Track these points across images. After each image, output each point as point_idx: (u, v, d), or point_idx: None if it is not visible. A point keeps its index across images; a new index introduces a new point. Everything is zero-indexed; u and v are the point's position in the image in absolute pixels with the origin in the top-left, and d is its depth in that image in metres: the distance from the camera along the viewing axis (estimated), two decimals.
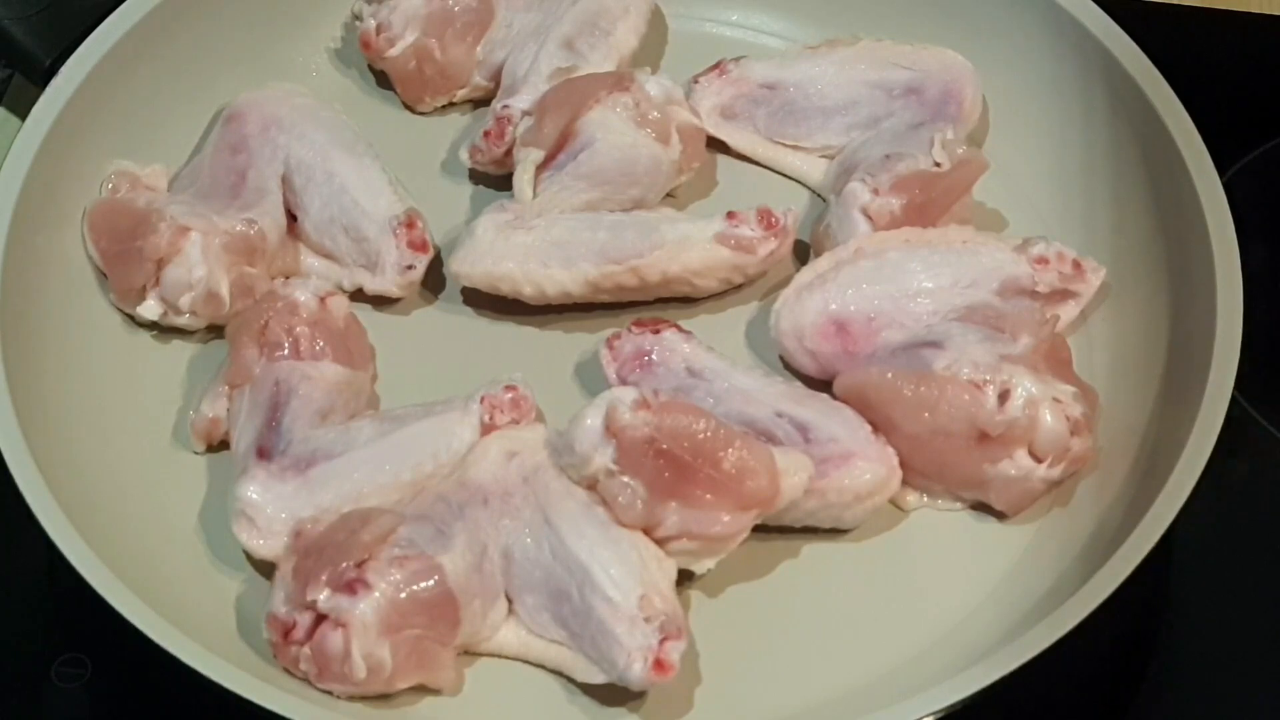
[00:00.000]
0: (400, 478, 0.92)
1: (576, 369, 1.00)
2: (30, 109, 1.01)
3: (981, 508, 0.96)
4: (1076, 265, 0.99)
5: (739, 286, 1.02)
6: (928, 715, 0.84)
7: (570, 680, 0.89)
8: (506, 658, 0.90)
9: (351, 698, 0.87)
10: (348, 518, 0.89)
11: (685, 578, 0.91)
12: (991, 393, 0.92)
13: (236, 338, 0.97)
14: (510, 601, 0.90)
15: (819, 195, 1.06)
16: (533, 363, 0.98)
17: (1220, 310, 0.94)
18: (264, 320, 0.96)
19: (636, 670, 0.86)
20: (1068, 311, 0.99)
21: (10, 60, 1.07)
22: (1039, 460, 0.93)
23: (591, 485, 0.90)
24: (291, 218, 1.02)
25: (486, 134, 1.04)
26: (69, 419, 0.95)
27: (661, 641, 0.86)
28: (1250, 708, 0.94)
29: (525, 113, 1.04)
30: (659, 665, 0.86)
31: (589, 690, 0.89)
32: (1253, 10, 1.19)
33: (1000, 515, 0.95)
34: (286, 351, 0.96)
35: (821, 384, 0.97)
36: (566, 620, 0.88)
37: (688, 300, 1.02)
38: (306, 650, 0.86)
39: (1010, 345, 0.94)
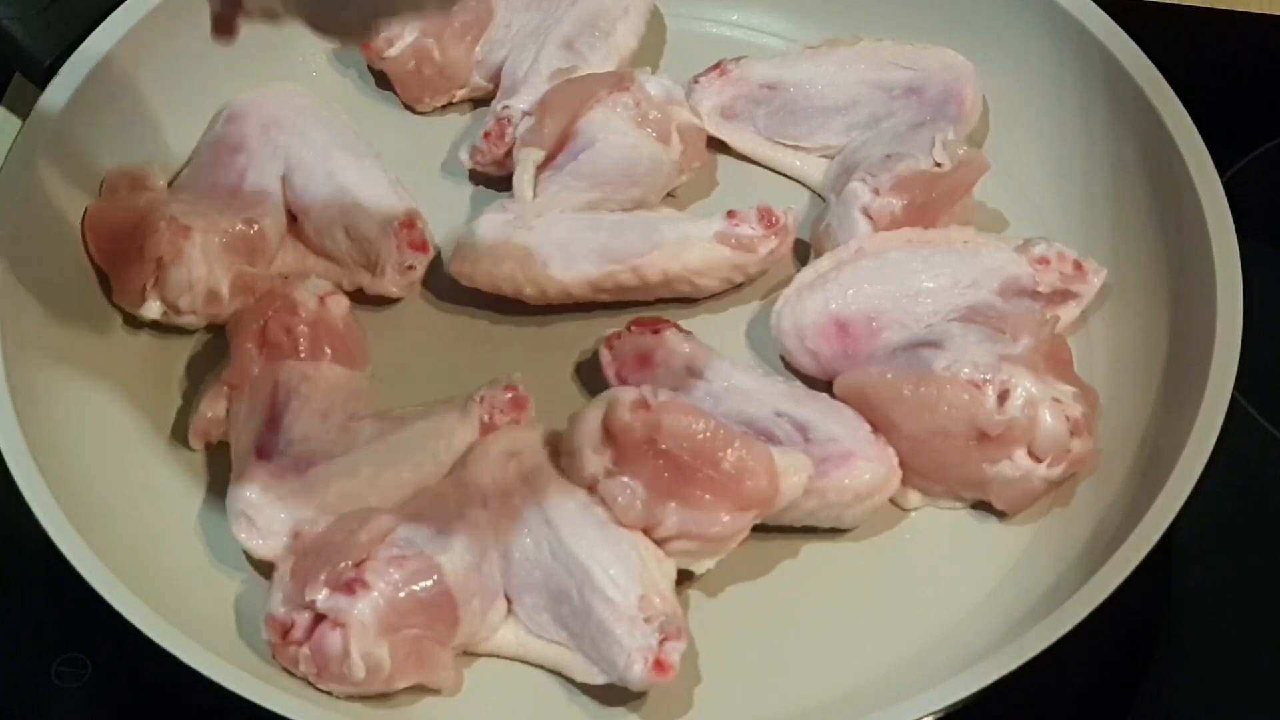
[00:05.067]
0: (400, 478, 0.92)
1: (576, 369, 1.00)
2: (30, 109, 1.01)
3: (981, 507, 0.96)
4: (1077, 266, 0.99)
5: (739, 286, 1.02)
6: (928, 715, 0.84)
7: (570, 680, 0.89)
8: (505, 658, 0.90)
9: (351, 698, 0.87)
10: (346, 518, 0.89)
11: (685, 578, 0.91)
12: (991, 393, 0.92)
13: (236, 338, 0.97)
14: (509, 602, 0.90)
15: (819, 195, 1.06)
16: (533, 363, 0.98)
17: (1220, 310, 0.94)
18: (263, 320, 0.96)
19: (636, 671, 0.86)
20: (1068, 312, 0.99)
21: (10, 60, 1.07)
22: (1039, 460, 0.93)
23: (591, 485, 0.90)
24: (291, 218, 1.02)
25: (486, 134, 1.04)
26: (69, 419, 0.95)
27: (661, 642, 0.86)
28: (1250, 708, 0.94)
29: (525, 113, 1.04)
30: (659, 665, 0.86)
31: (589, 690, 0.89)
32: (1253, 10, 1.19)
33: (1000, 515, 0.95)
34: (286, 351, 0.96)
35: (822, 384, 0.97)
36: (566, 621, 0.88)
37: (688, 300, 1.02)
38: (305, 650, 0.86)
39: (1010, 345, 0.94)
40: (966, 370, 0.93)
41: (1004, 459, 0.93)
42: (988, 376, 0.92)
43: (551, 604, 0.89)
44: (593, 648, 0.88)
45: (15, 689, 0.93)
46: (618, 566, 0.87)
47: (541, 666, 0.90)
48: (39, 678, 0.93)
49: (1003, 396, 0.92)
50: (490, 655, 0.90)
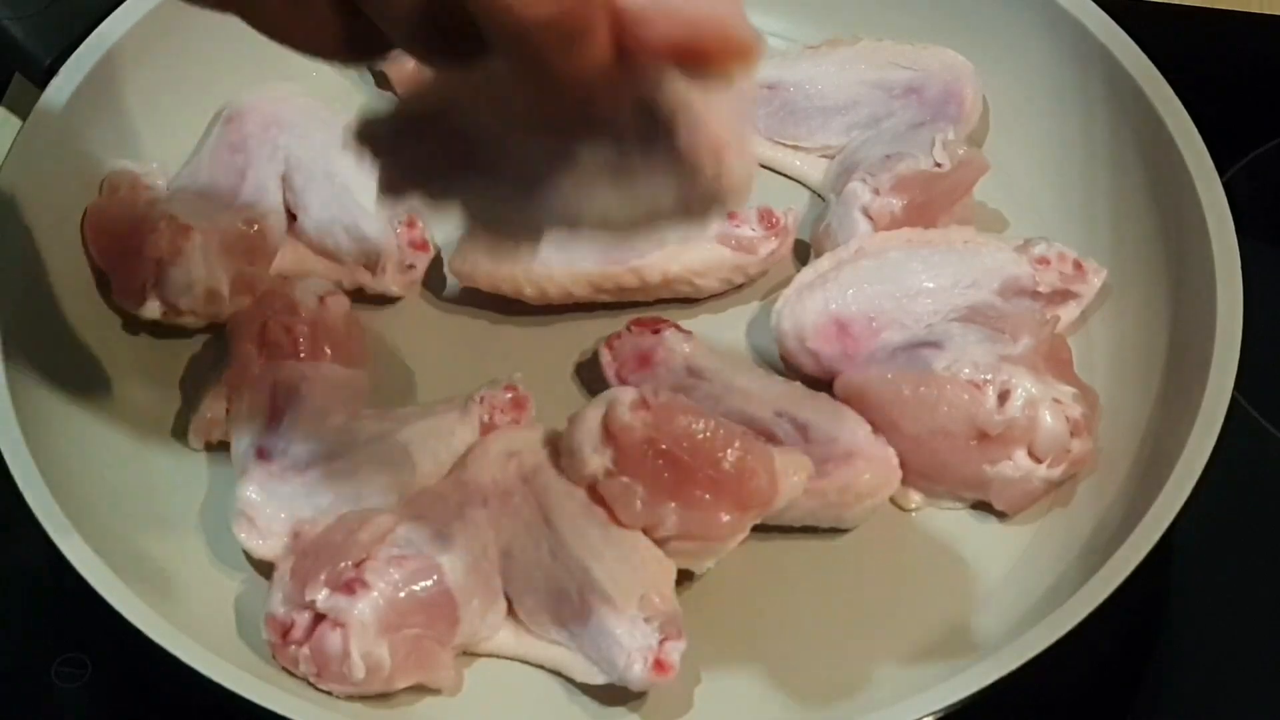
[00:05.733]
0: (399, 478, 0.92)
1: (576, 369, 1.00)
2: (30, 109, 1.01)
3: (982, 507, 0.95)
4: (1077, 265, 0.99)
5: (739, 286, 1.02)
6: (928, 715, 0.84)
7: (570, 680, 0.89)
8: (505, 658, 0.90)
9: (351, 698, 0.87)
10: (346, 518, 0.89)
11: (685, 578, 0.91)
12: (991, 393, 0.92)
13: (236, 338, 0.97)
14: (509, 602, 0.90)
15: (819, 195, 1.06)
16: (533, 363, 0.98)
17: (1220, 310, 0.94)
18: (263, 320, 0.96)
19: (637, 671, 0.86)
20: (1068, 312, 0.99)
21: (10, 60, 1.07)
22: (1039, 461, 0.93)
23: (591, 485, 0.89)
24: (291, 218, 1.02)
25: None
26: (69, 419, 0.95)
27: (661, 642, 0.86)
28: (1250, 707, 0.94)
29: None
30: (659, 665, 0.86)
31: (589, 690, 0.89)
32: (1253, 10, 1.19)
33: (1000, 515, 0.95)
34: (286, 351, 0.96)
35: (822, 384, 0.97)
36: (566, 621, 0.88)
37: (688, 300, 1.02)
38: (305, 650, 0.86)
39: (1010, 346, 0.94)
40: (967, 370, 0.93)
41: (1004, 459, 0.93)
42: (988, 376, 0.92)
43: (551, 604, 0.89)
44: (593, 648, 0.88)
45: (15, 689, 0.94)
46: (618, 566, 0.87)
47: (541, 667, 0.90)
48: (39, 678, 0.93)
49: (1003, 397, 0.92)
50: (490, 655, 0.90)
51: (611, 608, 0.86)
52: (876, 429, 0.94)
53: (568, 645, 0.89)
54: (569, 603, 0.88)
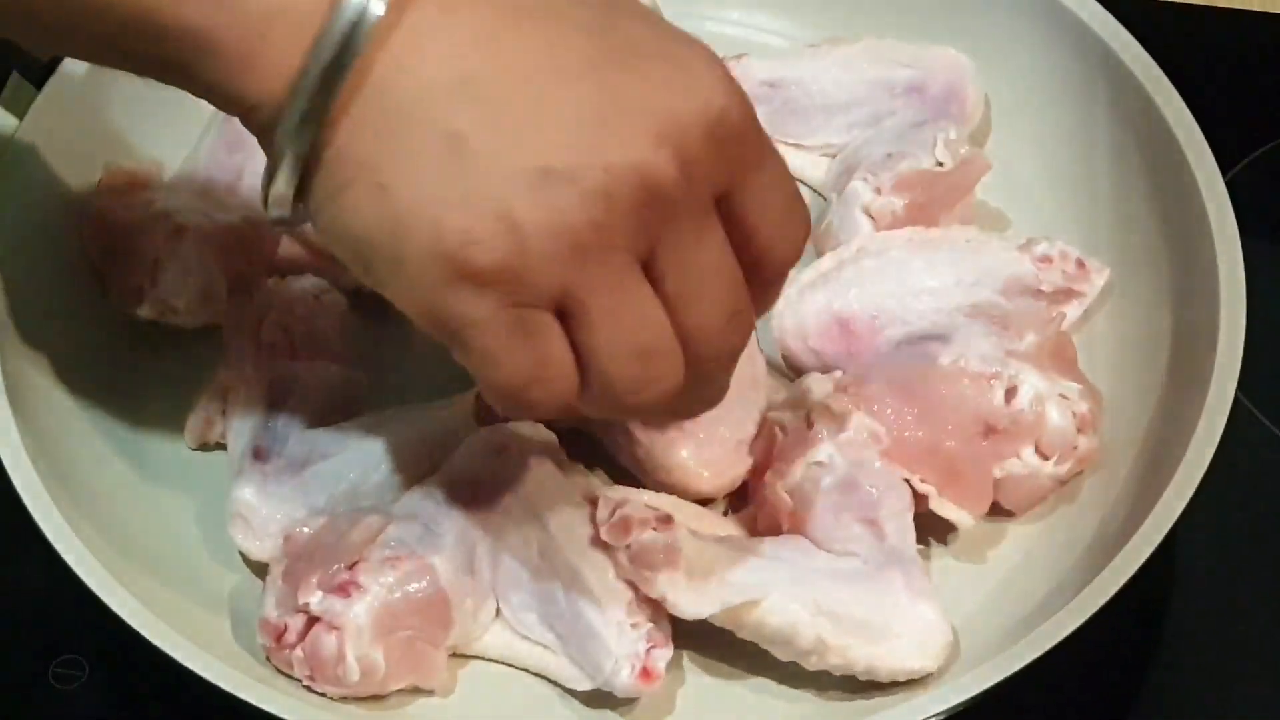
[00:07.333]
0: (395, 478, 0.92)
1: None
2: (29, 109, 1.01)
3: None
4: (1080, 264, 0.99)
5: None
6: (930, 716, 0.84)
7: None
8: (491, 660, 0.90)
9: (345, 699, 0.87)
10: (337, 520, 0.89)
11: None
12: (998, 386, 0.92)
13: (233, 337, 0.97)
14: (496, 600, 0.89)
15: (820, 194, 1.06)
16: None
17: (1223, 310, 0.93)
18: (260, 320, 0.96)
19: (624, 677, 0.85)
20: (1071, 311, 0.99)
21: (10, 60, 1.06)
22: (1046, 458, 0.92)
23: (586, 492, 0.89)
24: None
25: None
26: (68, 419, 0.95)
27: (648, 650, 0.85)
28: (1252, 708, 0.93)
29: None
30: (645, 673, 0.85)
31: (577, 690, 0.88)
32: (1256, 9, 1.19)
33: (1004, 514, 0.95)
34: (282, 351, 0.95)
35: None
36: (553, 623, 0.88)
37: None
38: (299, 653, 0.86)
39: (1015, 341, 0.94)
40: (973, 363, 0.92)
41: (1011, 456, 0.92)
42: (995, 370, 0.92)
43: (538, 604, 0.88)
44: (579, 651, 0.87)
45: (12, 691, 0.94)
46: (608, 568, 0.87)
47: (526, 670, 0.90)
48: (36, 680, 0.93)
49: (1010, 392, 0.91)
50: (476, 656, 0.90)
51: (600, 612, 0.86)
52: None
53: (553, 648, 0.88)
54: (555, 604, 0.87)
